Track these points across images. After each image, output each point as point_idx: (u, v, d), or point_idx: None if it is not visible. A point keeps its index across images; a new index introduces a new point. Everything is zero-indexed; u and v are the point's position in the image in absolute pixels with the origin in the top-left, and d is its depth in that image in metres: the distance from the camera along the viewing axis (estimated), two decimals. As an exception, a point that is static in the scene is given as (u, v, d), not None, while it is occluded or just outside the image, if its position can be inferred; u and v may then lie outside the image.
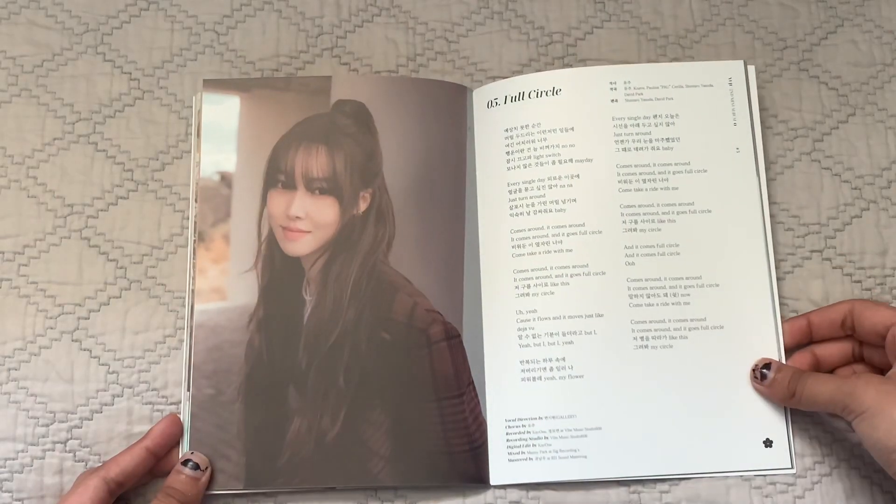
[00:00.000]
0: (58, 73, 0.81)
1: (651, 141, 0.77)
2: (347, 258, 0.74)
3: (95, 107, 0.80)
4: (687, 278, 0.75)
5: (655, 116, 0.78)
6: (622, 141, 0.77)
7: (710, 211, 0.76)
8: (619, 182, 0.77)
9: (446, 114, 0.78)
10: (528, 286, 0.75)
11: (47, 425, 0.73)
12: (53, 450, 0.72)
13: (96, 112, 0.80)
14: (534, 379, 0.73)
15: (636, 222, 0.76)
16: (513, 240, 0.76)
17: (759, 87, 0.82)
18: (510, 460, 0.73)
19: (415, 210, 0.76)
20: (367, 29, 0.83)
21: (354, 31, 0.83)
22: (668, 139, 0.78)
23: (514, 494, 0.73)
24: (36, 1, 0.82)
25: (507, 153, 0.78)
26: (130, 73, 0.81)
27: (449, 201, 0.77)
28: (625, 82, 0.79)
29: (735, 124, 0.78)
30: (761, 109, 0.81)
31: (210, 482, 0.71)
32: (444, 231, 0.76)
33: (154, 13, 0.83)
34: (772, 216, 0.79)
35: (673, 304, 0.75)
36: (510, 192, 0.77)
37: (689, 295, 0.75)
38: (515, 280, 0.75)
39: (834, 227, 0.79)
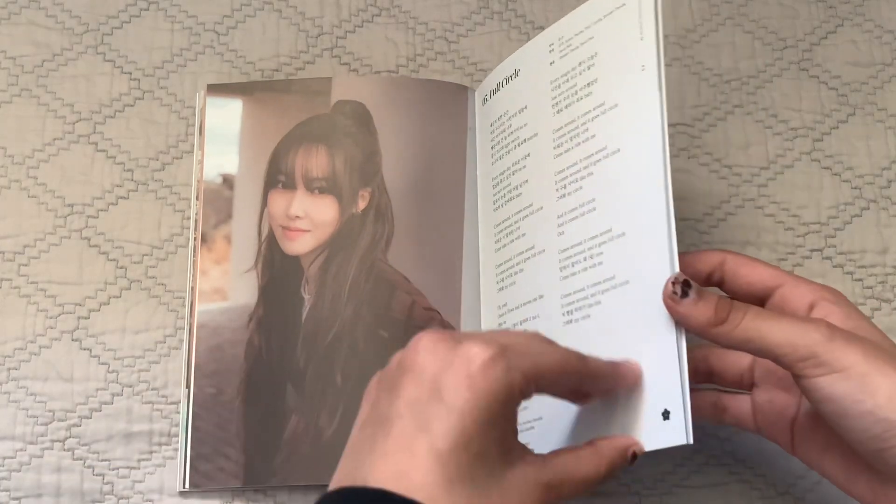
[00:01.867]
0: (58, 74, 0.81)
1: (576, 93, 0.69)
2: (346, 256, 0.75)
3: (95, 107, 0.80)
4: (601, 234, 0.65)
5: (580, 63, 0.69)
6: (557, 104, 0.71)
7: (618, 150, 0.65)
8: (553, 149, 0.70)
9: (446, 113, 0.78)
10: (503, 279, 0.73)
11: (46, 424, 0.73)
12: (52, 448, 0.72)
13: (96, 112, 0.80)
14: None
15: (565, 187, 0.68)
16: (495, 234, 0.74)
17: (751, 78, 0.82)
18: None
19: (414, 209, 0.76)
20: (367, 29, 0.83)
21: (354, 32, 0.83)
22: (588, 84, 0.68)
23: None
24: (36, 1, 0.82)
25: (492, 147, 0.76)
26: (131, 74, 0.81)
27: (448, 200, 0.77)
28: (559, 39, 0.71)
29: (641, 38, 0.65)
30: (761, 109, 0.81)
31: (209, 480, 0.71)
32: (443, 230, 0.76)
33: (154, 13, 0.83)
34: (772, 215, 0.79)
35: (590, 267, 0.65)
36: (493, 186, 0.75)
37: (602, 253, 0.65)
38: (496, 275, 0.74)
39: (834, 226, 0.79)
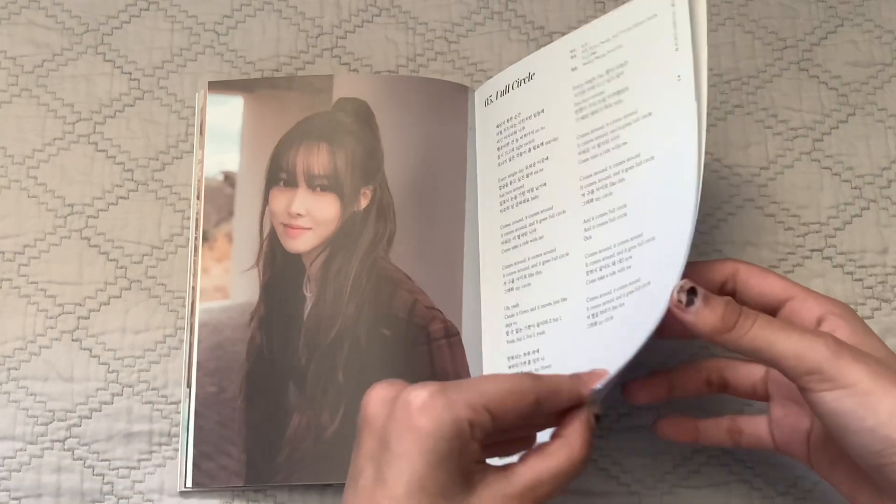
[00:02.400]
0: (58, 73, 0.81)
1: (604, 99, 0.70)
2: (348, 254, 0.74)
3: (95, 107, 0.80)
4: (631, 239, 0.66)
5: (608, 71, 0.71)
6: (581, 109, 0.72)
7: (652, 158, 0.67)
8: (578, 154, 0.71)
9: (448, 113, 0.78)
10: (513, 280, 0.73)
11: (46, 424, 0.73)
12: (52, 448, 0.72)
13: (96, 112, 0.80)
14: None
15: (592, 192, 0.69)
16: (502, 235, 0.75)
17: (751, 78, 0.82)
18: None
19: (416, 207, 0.76)
20: (367, 29, 0.83)
21: (354, 32, 0.83)
22: (618, 92, 0.70)
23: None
24: (36, 1, 0.82)
25: (498, 149, 0.76)
26: (130, 73, 0.81)
27: (449, 199, 0.77)
28: (582, 46, 0.73)
29: (677, 49, 0.67)
30: (761, 109, 0.81)
31: (211, 479, 0.71)
32: (445, 229, 0.76)
33: (154, 13, 0.83)
34: (772, 215, 0.79)
35: (619, 271, 0.66)
36: (500, 187, 0.75)
37: (631, 258, 0.66)
38: (504, 276, 0.74)
39: (834, 226, 0.79)
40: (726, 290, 0.65)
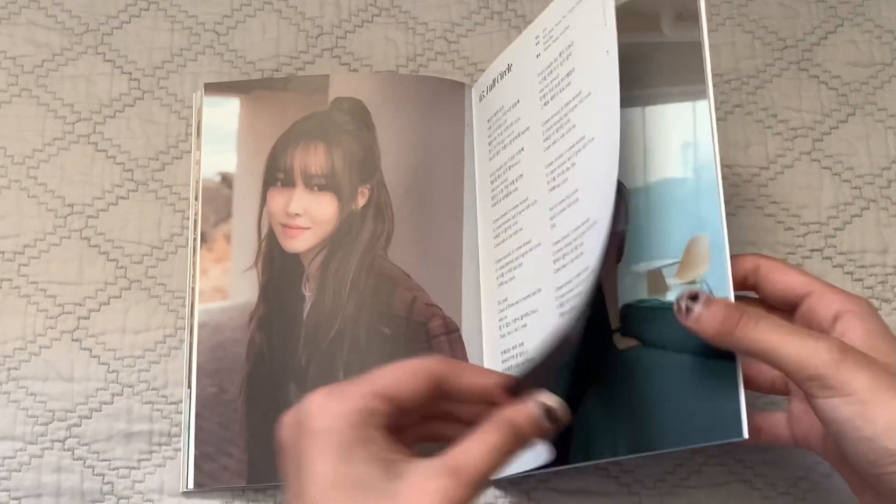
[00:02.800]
0: (58, 73, 0.81)
1: (559, 83, 0.70)
2: (346, 253, 0.75)
3: (95, 107, 0.80)
4: (582, 224, 0.65)
5: (560, 54, 0.70)
6: (543, 96, 0.71)
7: (593, 139, 0.65)
8: (543, 141, 0.70)
9: (444, 110, 0.78)
10: (502, 274, 0.73)
11: (46, 424, 0.73)
12: (52, 448, 0.72)
13: (96, 112, 0.80)
14: (507, 369, 0.71)
15: (554, 179, 0.68)
16: (494, 230, 0.74)
17: (751, 78, 0.82)
18: None
19: (414, 205, 0.76)
20: (367, 29, 0.83)
21: (354, 32, 0.83)
22: (568, 74, 0.69)
23: (514, 495, 0.73)
24: (36, 1, 0.82)
25: (489, 143, 0.76)
26: (130, 73, 0.81)
27: (447, 196, 0.77)
28: (543, 31, 0.72)
29: (605, 24, 0.65)
30: (761, 109, 0.81)
31: (213, 479, 0.71)
32: (443, 226, 0.76)
33: (154, 13, 0.83)
34: (772, 215, 0.79)
35: (576, 258, 0.65)
36: (491, 182, 0.76)
37: (582, 244, 0.64)
38: (496, 270, 0.74)
39: (834, 226, 0.79)
40: (748, 286, 0.64)
